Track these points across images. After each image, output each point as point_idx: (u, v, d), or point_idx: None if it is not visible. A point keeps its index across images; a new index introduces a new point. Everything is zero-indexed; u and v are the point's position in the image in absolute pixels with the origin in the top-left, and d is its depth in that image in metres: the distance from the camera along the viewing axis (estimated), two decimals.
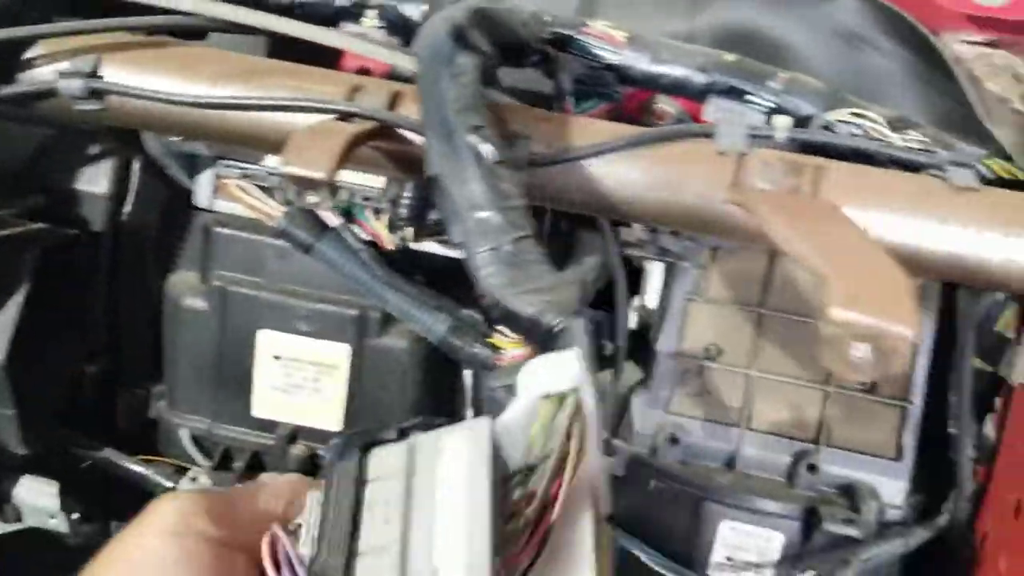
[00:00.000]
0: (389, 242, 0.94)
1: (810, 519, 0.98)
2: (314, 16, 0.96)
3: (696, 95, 0.91)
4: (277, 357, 1.00)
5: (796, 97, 0.88)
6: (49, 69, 0.81)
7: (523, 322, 0.59)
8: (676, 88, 0.91)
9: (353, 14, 0.96)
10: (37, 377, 0.97)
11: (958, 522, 1.04)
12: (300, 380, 1.00)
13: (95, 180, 1.01)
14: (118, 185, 1.01)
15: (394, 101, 0.77)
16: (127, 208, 1.02)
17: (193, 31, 0.88)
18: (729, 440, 1.03)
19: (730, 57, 0.90)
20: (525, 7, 0.93)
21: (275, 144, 0.74)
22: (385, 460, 0.49)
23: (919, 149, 0.85)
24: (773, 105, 0.89)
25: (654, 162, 0.76)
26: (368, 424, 1.01)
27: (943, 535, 1.06)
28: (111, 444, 1.08)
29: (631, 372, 1.09)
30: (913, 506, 1.03)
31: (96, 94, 0.80)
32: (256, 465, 1.04)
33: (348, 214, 0.95)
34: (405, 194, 0.92)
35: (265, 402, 1.02)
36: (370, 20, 0.95)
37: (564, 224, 1.14)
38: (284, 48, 0.89)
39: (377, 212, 0.94)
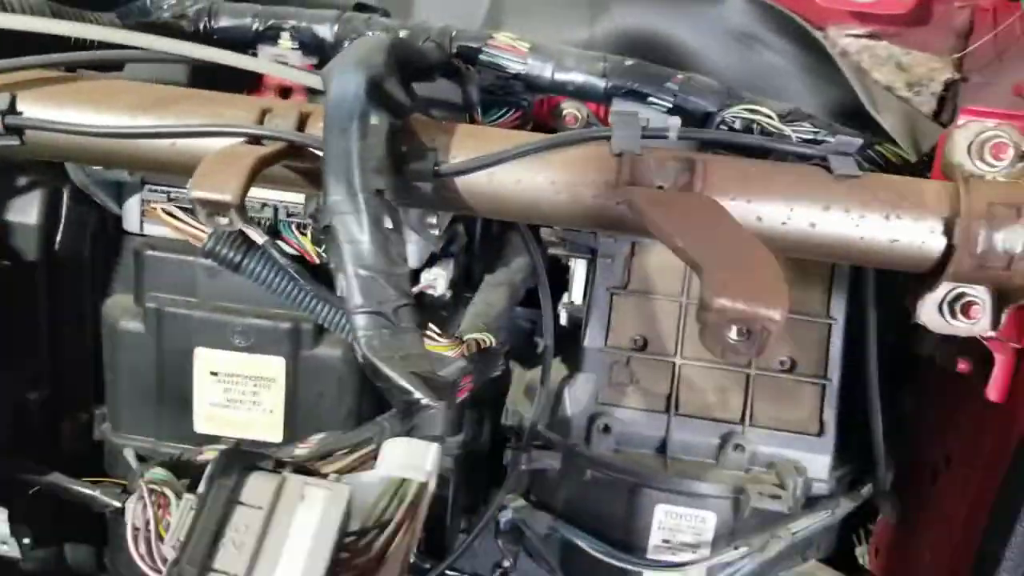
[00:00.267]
0: (315, 255, 0.97)
1: (739, 498, 1.02)
2: (233, 40, 0.99)
3: (600, 98, 0.96)
4: (215, 373, 1.02)
5: (693, 96, 0.93)
6: None
7: (392, 388, 0.63)
8: (580, 93, 0.95)
9: (270, 36, 0.99)
10: None
11: (881, 490, 1.09)
12: (239, 394, 1.03)
13: (25, 211, 1.03)
14: (49, 215, 1.03)
15: (303, 122, 0.80)
16: (59, 237, 1.04)
17: (110, 64, 0.91)
18: (659, 426, 1.07)
19: (629, 61, 0.94)
20: (433, 25, 0.97)
21: (192, 169, 0.76)
22: (257, 488, 0.55)
23: (806, 140, 0.90)
24: (672, 104, 0.93)
25: (555, 166, 0.80)
26: (308, 433, 1.04)
27: (870, 503, 1.11)
28: (58, 468, 1.10)
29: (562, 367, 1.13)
30: (839, 479, 1.08)
31: (14, 130, 0.82)
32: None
33: (274, 231, 0.97)
34: (321, 196, 0.94)
35: (206, 418, 1.04)
36: (286, 41, 0.98)
37: (495, 227, 1.18)
38: (206, 72, 0.92)
39: (301, 227, 0.97)
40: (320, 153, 0.78)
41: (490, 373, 1.02)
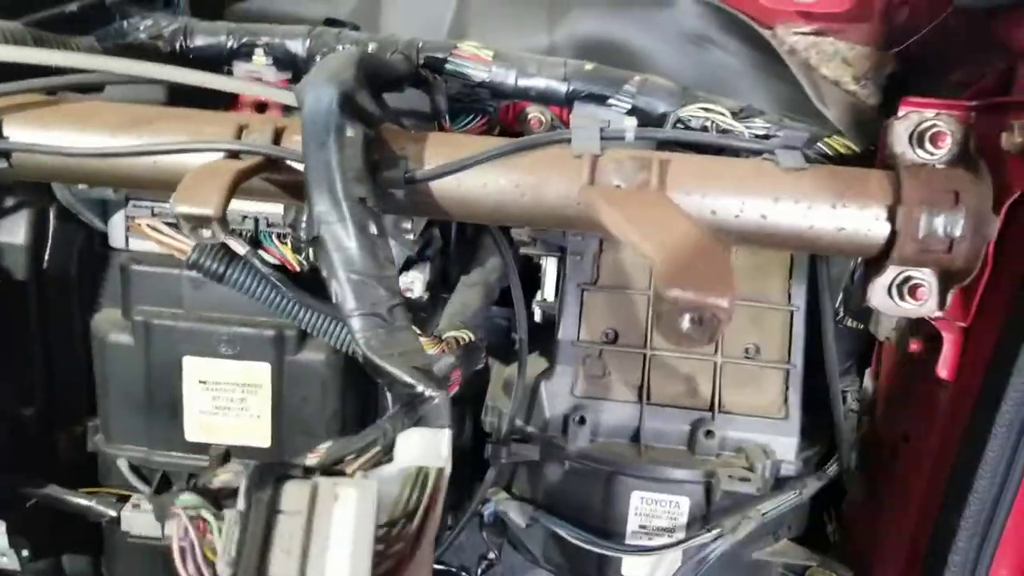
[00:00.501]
0: (296, 263, 1.01)
1: (711, 482, 1.07)
2: (208, 58, 1.03)
3: (562, 102, 1.00)
4: (203, 382, 1.06)
5: (650, 97, 0.97)
6: None
7: (395, 383, 0.68)
8: (543, 98, 1.00)
9: (244, 53, 1.03)
10: None
11: (846, 469, 1.14)
12: (227, 401, 1.06)
13: (13, 231, 1.06)
14: (36, 234, 1.07)
15: (279, 135, 0.84)
16: (47, 255, 1.08)
17: (91, 87, 0.94)
18: (632, 416, 1.11)
19: (588, 66, 0.98)
20: (400, 37, 1.01)
21: (173, 185, 0.80)
22: (293, 495, 0.59)
23: (758, 136, 0.94)
24: (630, 105, 0.98)
25: (520, 169, 0.84)
26: (295, 436, 1.08)
27: (837, 482, 1.16)
28: (54, 480, 1.13)
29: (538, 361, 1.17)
30: (806, 459, 1.12)
31: (1, 154, 0.85)
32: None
33: (256, 241, 1.01)
34: (304, 218, 0.99)
35: (196, 426, 1.08)
36: (260, 58, 1.02)
37: (469, 230, 1.23)
38: (185, 90, 0.95)
39: (282, 237, 1.01)
40: (296, 165, 0.82)
41: (474, 367, 1.06)
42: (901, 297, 0.86)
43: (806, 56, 1.00)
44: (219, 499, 0.77)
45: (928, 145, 0.85)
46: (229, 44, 1.02)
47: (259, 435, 1.08)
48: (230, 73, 1.02)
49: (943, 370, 0.91)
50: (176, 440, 1.09)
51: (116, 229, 1.05)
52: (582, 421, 1.10)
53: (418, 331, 1.00)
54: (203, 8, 1.08)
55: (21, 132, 0.86)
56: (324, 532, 0.58)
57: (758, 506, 1.08)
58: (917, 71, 0.98)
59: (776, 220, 0.83)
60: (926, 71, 0.97)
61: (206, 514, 0.67)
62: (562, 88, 0.98)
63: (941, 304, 0.87)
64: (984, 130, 0.84)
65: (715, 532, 1.07)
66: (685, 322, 0.64)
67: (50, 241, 1.08)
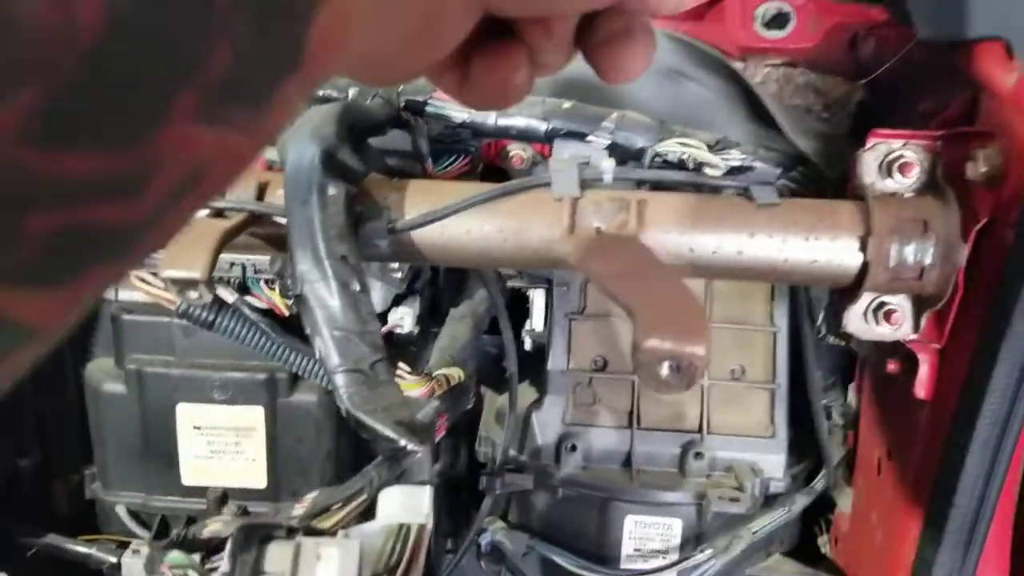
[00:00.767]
0: (284, 308, 1.03)
1: (702, 503, 1.09)
2: None
3: (542, 140, 1.02)
4: (197, 427, 1.07)
5: (628, 132, 0.99)
6: None
7: (378, 438, 0.70)
8: (524, 136, 1.01)
9: None
10: None
11: (836, 483, 1.17)
12: (222, 445, 1.08)
13: None
14: None
15: (263, 191, 0.85)
16: None
17: None
18: (623, 441, 1.13)
19: (567, 104, 1.00)
20: None
21: None
22: (276, 556, 0.61)
23: (734, 167, 0.96)
24: (609, 142, 1.00)
25: (501, 215, 0.86)
26: (291, 476, 1.09)
27: (826, 495, 1.18)
28: (53, 529, 1.14)
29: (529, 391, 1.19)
30: (794, 476, 1.15)
31: None
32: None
33: (244, 288, 1.03)
34: (290, 265, 1.00)
35: (193, 470, 1.09)
36: None
37: None
38: None
39: (269, 282, 1.03)
40: (279, 219, 0.84)
41: (462, 408, 1.07)
42: (876, 322, 0.89)
43: (777, 86, 1.03)
44: (209, 550, 0.79)
45: (896, 175, 0.87)
46: None
47: (255, 477, 1.09)
48: None
49: (920, 390, 0.93)
50: (173, 485, 1.10)
51: None
52: (573, 448, 1.12)
53: (408, 369, 1.02)
54: None
55: None
56: None
57: (749, 524, 1.11)
58: (886, 100, 1.00)
59: (752, 255, 0.86)
60: (895, 101, 0.99)
61: (193, 573, 0.69)
62: (541, 126, 1.00)
63: (915, 328, 0.89)
64: (951, 159, 0.87)
65: (708, 552, 1.10)
66: (664, 370, 0.66)
67: None
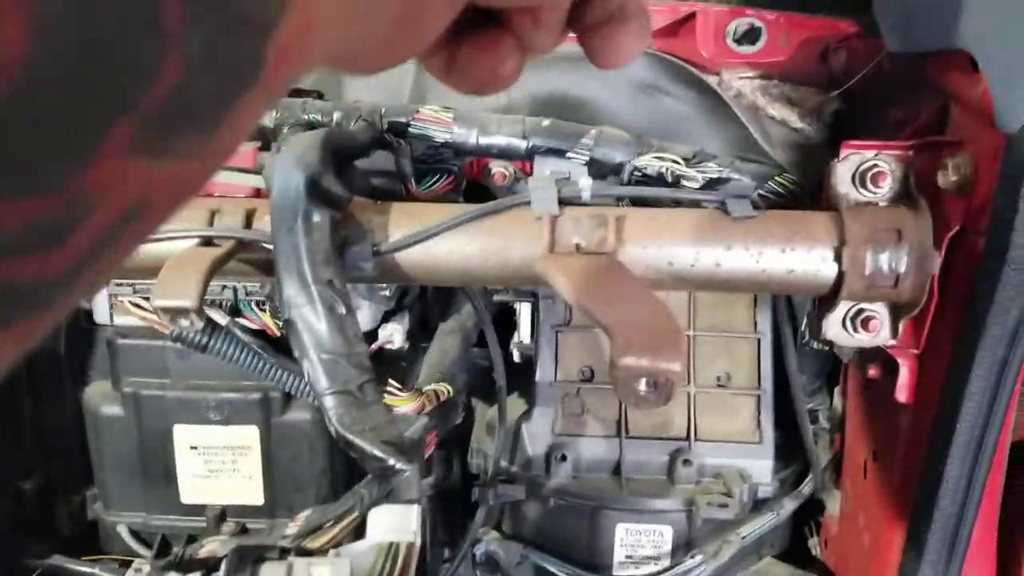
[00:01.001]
0: (276, 328, 1.05)
1: (691, 510, 1.11)
2: None
3: (523, 157, 1.04)
4: (194, 447, 1.10)
5: (606, 148, 1.01)
6: None
7: (367, 457, 0.72)
8: (505, 154, 1.03)
9: None
10: None
11: (825, 487, 1.18)
12: (219, 464, 1.10)
13: None
14: None
15: (250, 218, 0.87)
16: None
17: None
18: (613, 450, 1.15)
19: (546, 122, 1.02)
20: (363, 104, 1.04)
21: (152, 269, 0.83)
22: None
23: (712, 179, 0.98)
24: (588, 157, 1.02)
25: (483, 235, 0.88)
26: (287, 493, 1.11)
27: (815, 498, 1.20)
28: (57, 550, 1.16)
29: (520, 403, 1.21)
30: (782, 480, 1.17)
31: None
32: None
33: (236, 310, 1.05)
34: (278, 290, 1.02)
35: (191, 489, 1.12)
36: None
37: None
38: None
39: (260, 304, 1.05)
40: (267, 246, 0.86)
41: (451, 423, 1.09)
42: (855, 329, 0.91)
43: (752, 99, 1.04)
44: (207, 569, 0.81)
45: (870, 185, 0.89)
46: None
47: (252, 494, 1.11)
48: None
49: (901, 395, 0.95)
50: (173, 503, 1.13)
51: (100, 306, 1.09)
52: (563, 458, 1.14)
53: (398, 385, 1.04)
54: None
55: None
56: None
57: (738, 529, 1.12)
58: (860, 111, 1.02)
59: (729, 267, 0.88)
60: (868, 111, 1.01)
61: None
62: (522, 144, 1.02)
63: (894, 334, 0.91)
64: (923, 168, 0.89)
65: (698, 558, 1.12)
66: (641, 386, 0.68)
67: None
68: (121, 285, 1.06)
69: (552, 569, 1.14)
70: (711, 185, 0.98)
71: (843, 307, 0.90)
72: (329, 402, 0.75)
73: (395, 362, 1.16)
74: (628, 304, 0.72)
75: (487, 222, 0.88)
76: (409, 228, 0.88)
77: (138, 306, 1.04)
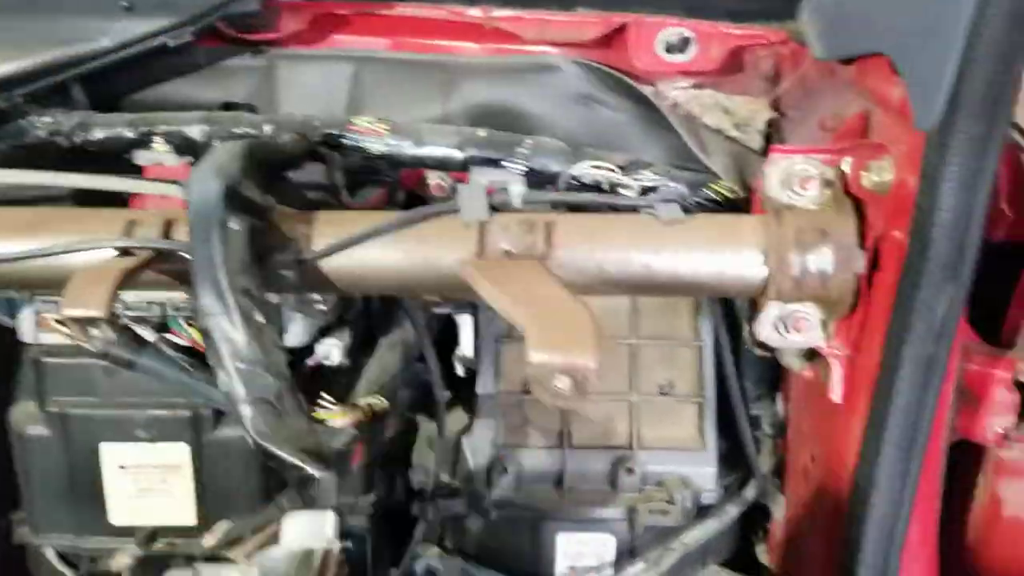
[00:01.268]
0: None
1: (633, 517, 1.10)
2: (109, 150, 1.05)
3: (458, 168, 1.03)
4: (123, 467, 1.06)
5: (543, 157, 1.01)
6: None
7: (285, 465, 0.70)
8: (441, 165, 1.03)
9: (144, 143, 1.05)
10: None
11: (770, 492, 1.18)
12: (148, 484, 1.07)
13: None
14: None
15: (169, 228, 0.86)
16: None
17: None
18: (555, 461, 1.14)
19: (482, 132, 1.02)
20: (296, 117, 1.03)
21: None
22: None
23: (647, 188, 0.98)
24: (525, 167, 1.01)
25: (411, 242, 0.87)
26: (221, 512, 1.08)
27: (762, 505, 1.20)
28: None
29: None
30: (726, 486, 1.16)
31: None
32: None
33: (164, 326, 1.02)
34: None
35: (120, 510, 1.08)
36: (159, 146, 1.04)
37: None
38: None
39: (189, 320, 1.02)
40: (186, 256, 0.84)
41: (383, 435, 1.08)
42: (786, 330, 0.91)
43: (688, 108, 1.05)
44: None
45: (797, 188, 0.90)
46: (128, 135, 1.04)
47: (184, 514, 1.08)
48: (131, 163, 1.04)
49: (834, 395, 0.95)
50: (101, 525, 1.09)
51: (25, 324, 1.06)
52: (505, 470, 1.12)
53: (331, 400, 1.03)
54: (101, 101, 1.09)
55: None
56: None
57: (681, 536, 1.12)
58: (791, 117, 1.03)
59: (660, 270, 0.87)
60: (799, 117, 1.02)
61: None
62: (458, 155, 1.02)
63: (824, 335, 0.91)
64: (849, 171, 0.90)
65: (640, 566, 1.11)
66: (556, 382, 0.67)
67: None
68: (47, 303, 1.04)
69: None
70: (647, 194, 0.98)
71: (773, 308, 0.90)
72: (246, 411, 0.73)
73: (335, 378, 1.14)
74: (546, 304, 0.71)
75: (415, 230, 0.87)
76: (334, 236, 0.86)
77: (63, 323, 1.01)
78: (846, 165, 0.90)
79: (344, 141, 1.02)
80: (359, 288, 0.89)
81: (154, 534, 1.10)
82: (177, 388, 1.01)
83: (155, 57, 1.03)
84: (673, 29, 1.02)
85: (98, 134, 1.04)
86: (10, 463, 1.11)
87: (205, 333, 0.75)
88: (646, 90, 1.03)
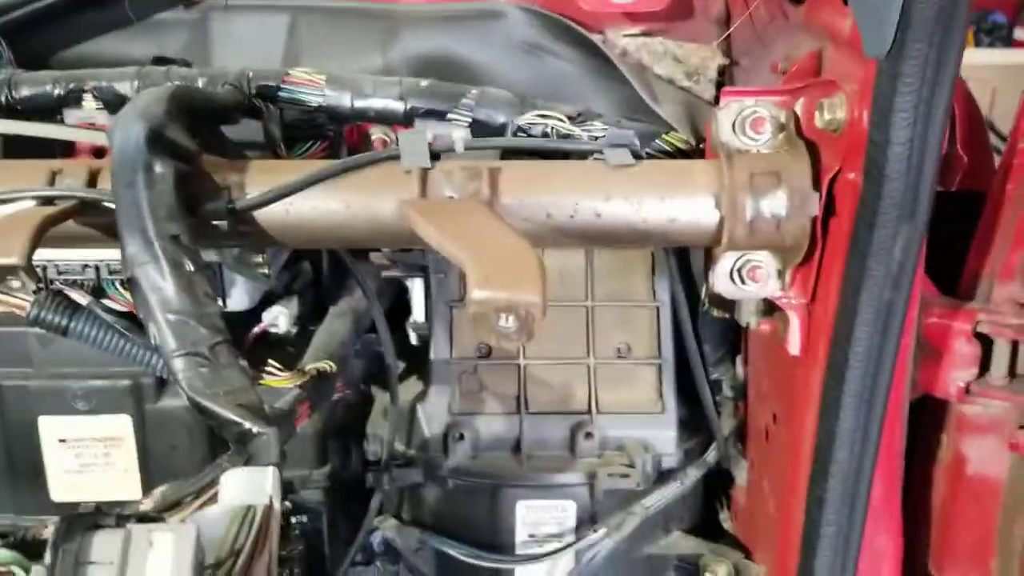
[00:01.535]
0: None
1: (593, 482, 1.07)
2: (38, 108, 1.00)
3: (401, 121, 1.00)
4: (63, 440, 1.02)
5: (489, 108, 0.98)
6: None
7: (222, 423, 0.67)
8: (382, 118, 0.99)
9: (74, 100, 1.00)
10: None
11: (731, 456, 1.15)
12: (90, 458, 1.03)
13: None
14: None
15: (94, 178, 0.82)
16: None
17: None
18: (512, 428, 1.11)
19: (424, 83, 0.99)
20: (231, 69, 0.99)
21: None
22: (104, 545, 0.57)
23: (596, 139, 0.95)
24: (470, 119, 0.98)
25: (350, 190, 0.83)
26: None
27: (725, 470, 1.17)
28: None
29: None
30: (687, 450, 1.13)
31: None
32: None
33: (99, 290, 0.98)
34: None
35: (62, 486, 1.04)
36: (89, 103, 1.00)
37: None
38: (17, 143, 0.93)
39: (125, 284, 0.98)
40: (111, 205, 0.80)
41: (328, 397, 1.04)
42: (742, 281, 0.88)
43: (638, 57, 1.02)
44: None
45: (749, 131, 0.87)
46: (57, 92, 0.99)
47: (129, 489, 1.04)
48: (62, 121, 1.00)
49: (792, 347, 0.92)
50: (43, 503, 1.05)
51: None
52: (461, 438, 1.09)
53: (279, 366, 0.99)
54: (28, 59, 1.05)
55: None
56: None
57: (642, 500, 1.09)
58: (743, 65, 1.01)
59: (609, 217, 0.84)
60: (750, 64, 1.00)
61: (16, 569, 0.65)
62: (400, 106, 0.98)
63: (781, 284, 0.89)
64: (802, 112, 0.87)
65: (602, 531, 1.08)
66: (501, 321, 0.64)
67: None
68: None
69: (452, 552, 1.09)
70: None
71: (729, 258, 0.87)
72: (178, 364, 0.70)
73: (283, 347, 1.10)
74: (489, 241, 0.68)
75: (352, 177, 0.84)
76: (269, 185, 0.83)
77: None
78: (799, 107, 0.88)
79: (280, 94, 0.98)
80: (296, 240, 0.85)
81: (98, 510, 1.05)
82: (116, 357, 0.97)
83: (83, 11, 0.99)
84: None
85: (25, 92, 0.99)
86: None
87: (132, 283, 0.71)
88: (595, 38, 1.00)
